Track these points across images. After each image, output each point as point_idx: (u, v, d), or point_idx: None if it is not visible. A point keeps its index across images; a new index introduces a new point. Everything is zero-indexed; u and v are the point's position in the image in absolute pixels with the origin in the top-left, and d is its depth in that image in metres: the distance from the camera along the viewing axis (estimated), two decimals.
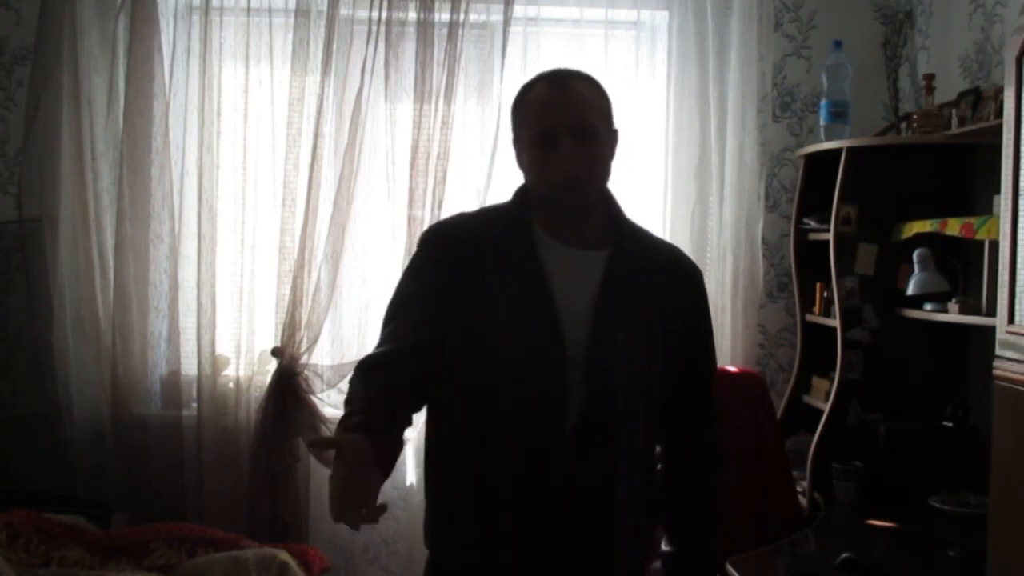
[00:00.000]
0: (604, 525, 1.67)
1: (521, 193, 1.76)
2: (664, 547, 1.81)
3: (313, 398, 3.29)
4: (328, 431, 3.25)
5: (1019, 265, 2.05)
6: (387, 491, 3.33)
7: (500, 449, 1.63)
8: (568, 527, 1.64)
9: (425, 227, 3.14)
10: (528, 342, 1.63)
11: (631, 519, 1.71)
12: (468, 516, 1.69)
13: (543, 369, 1.63)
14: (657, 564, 1.81)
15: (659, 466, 1.84)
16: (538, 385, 1.63)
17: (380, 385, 1.61)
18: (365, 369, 1.65)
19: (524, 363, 1.63)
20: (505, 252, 1.68)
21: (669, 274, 1.76)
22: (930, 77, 3.13)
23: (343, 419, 1.56)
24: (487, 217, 1.80)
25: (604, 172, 1.70)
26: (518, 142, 1.73)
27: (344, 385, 3.31)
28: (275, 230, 3.36)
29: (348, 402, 1.61)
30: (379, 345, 1.70)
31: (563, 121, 1.64)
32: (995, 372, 2.10)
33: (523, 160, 1.72)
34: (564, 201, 1.66)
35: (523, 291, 1.65)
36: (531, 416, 1.63)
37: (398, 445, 1.64)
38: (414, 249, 1.81)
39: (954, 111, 3.00)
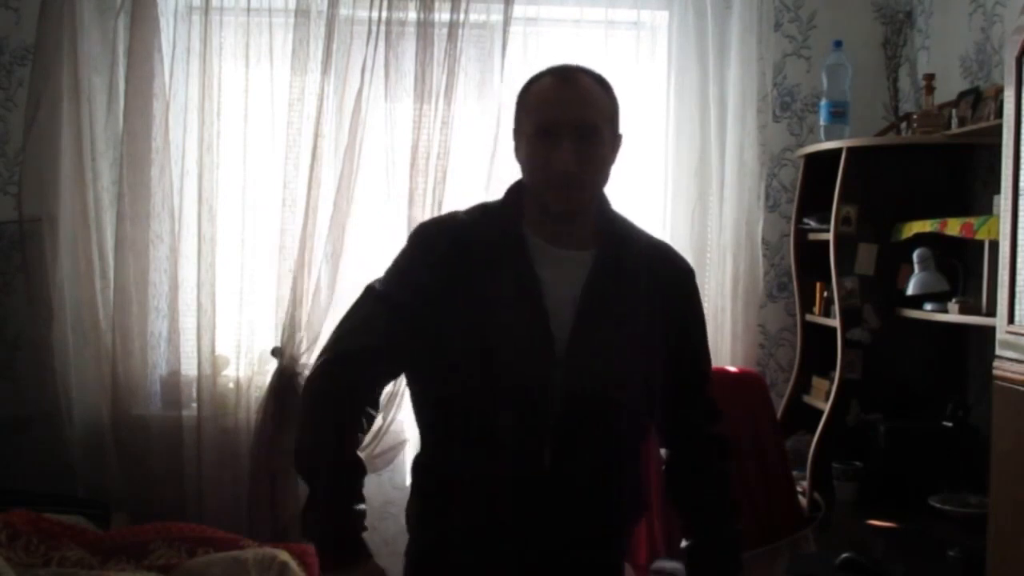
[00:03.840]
0: (582, 520, 1.68)
1: (512, 192, 1.75)
2: (685, 543, 1.82)
3: None
4: None
5: (1019, 265, 2.05)
6: (388, 491, 3.37)
7: (485, 445, 1.64)
8: (547, 522, 1.65)
9: None
10: (517, 341, 1.63)
11: (609, 515, 1.72)
12: (453, 508, 1.69)
13: (530, 367, 1.63)
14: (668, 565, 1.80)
15: (664, 467, 1.87)
16: (524, 383, 1.62)
17: (342, 466, 1.66)
18: (322, 423, 1.69)
19: (512, 361, 1.62)
20: (494, 252, 1.67)
21: (659, 274, 1.75)
22: (930, 77, 3.13)
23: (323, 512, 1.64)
24: (477, 216, 1.76)
25: (601, 174, 1.68)
26: (518, 133, 1.70)
27: None
28: (275, 230, 3.36)
29: (317, 460, 1.67)
30: (342, 328, 1.72)
31: (565, 117, 1.61)
32: (995, 372, 2.10)
33: (521, 152, 1.70)
34: (557, 199, 1.64)
35: (513, 290, 1.64)
36: (515, 413, 1.62)
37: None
38: None
39: (954, 111, 3.00)
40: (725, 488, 1.84)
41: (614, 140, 1.70)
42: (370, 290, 1.74)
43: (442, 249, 1.69)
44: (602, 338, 1.66)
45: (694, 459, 1.83)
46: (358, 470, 1.68)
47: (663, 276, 1.76)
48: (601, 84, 1.68)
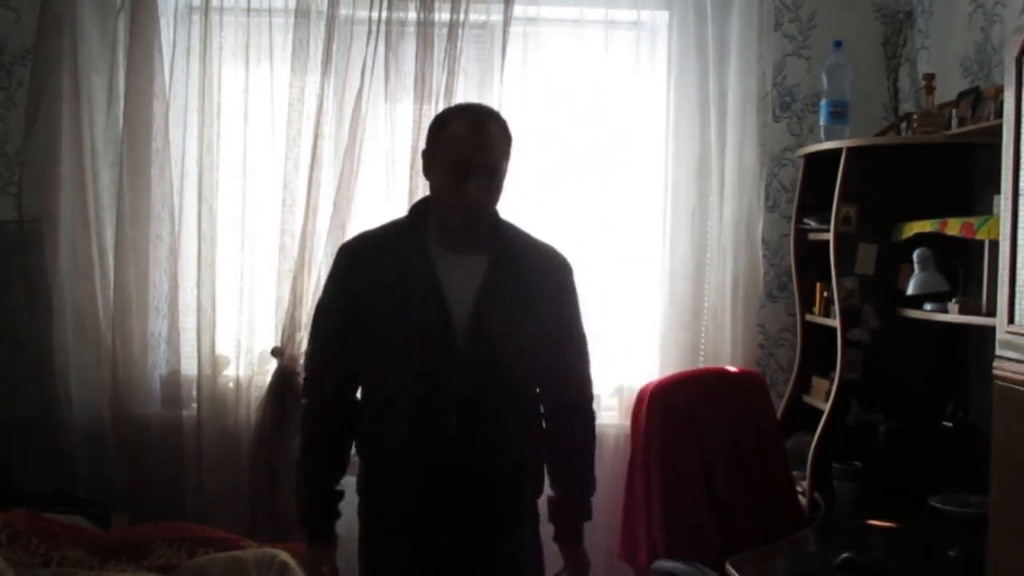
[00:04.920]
0: (491, 475, 2.08)
1: (416, 209, 2.18)
2: (549, 493, 2.25)
3: None
4: None
5: (1019, 265, 2.05)
6: None
7: (405, 419, 2.05)
8: (461, 473, 2.05)
9: None
10: (423, 331, 2.03)
11: (513, 471, 2.12)
12: (385, 472, 2.11)
13: (434, 352, 2.03)
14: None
15: (543, 429, 2.23)
16: (432, 365, 2.03)
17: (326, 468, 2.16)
18: (314, 442, 2.18)
19: (419, 348, 2.03)
20: (403, 260, 2.06)
21: (540, 270, 2.15)
22: (930, 77, 3.13)
23: (307, 502, 2.18)
24: (387, 232, 2.19)
25: (498, 198, 2.10)
26: (432, 158, 2.08)
27: None
28: (275, 230, 3.36)
29: (309, 463, 2.18)
30: (313, 365, 2.26)
31: (476, 160, 2.01)
32: (995, 372, 2.10)
33: (433, 176, 2.09)
34: (465, 224, 2.05)
35: (419, 290, 2.04)
36: (428, 390, 2.03)
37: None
38: None
39: (954, 111, 3.00)
40: (583, 458, 2.26)
41: (507, 170, 2.09)
42: (316, 314, 2.22)
43: (358, 262, 2.12)
44: (497, 325, 2.04)
45: (564, 425, 2.22)
46: (333, 475, 2.15)
47: (544, 271, 2.16)
48: (501, 126, 2.08)
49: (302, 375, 3.26)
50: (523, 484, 2.18)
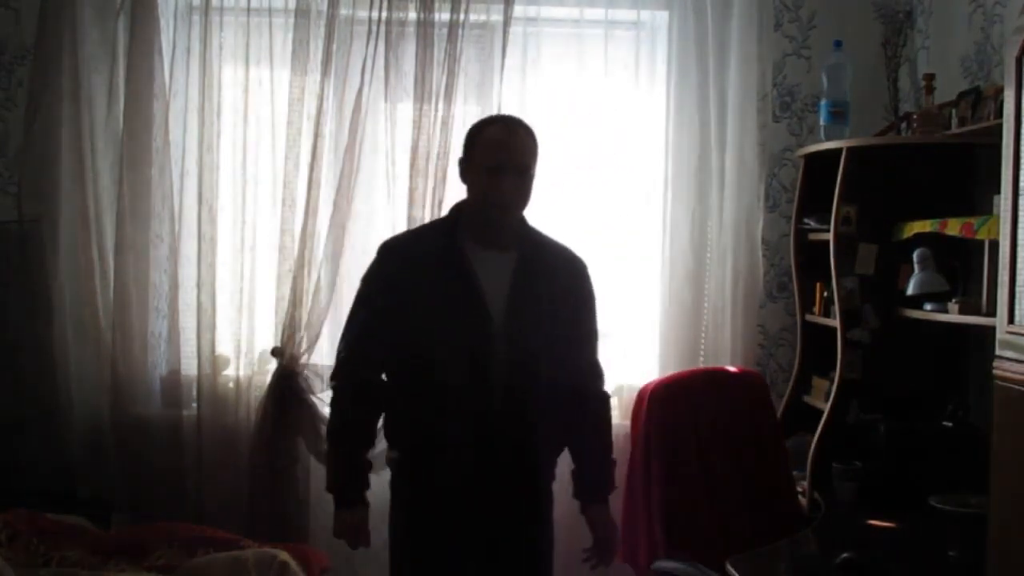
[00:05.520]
0: (522, 453, 2.28)
1: (453, 210, 2.38)
2: (573, 469, 2.46)
3: (313, 398, 3.29)
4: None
5: (1019, 265, 2.05)
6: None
7: (446, 403, 2.23)
8: (497, 457, 2.25)
9: None
10: (464, 322, 2.23)
11: (541, 448, 2.34)
12: (424, 453, 2.29)
13: (475, 341, 2.23)
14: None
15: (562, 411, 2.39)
16: (472, 353, 2.23)
17: (362, 433, 2.37)
18: (349, 400, 2.37)
19: (461, 338, 2.22)
20: (442, 257, 2.27)
21: (562, 268, 2.39)
22: (930, 77, 3.13)
23: (342, 458, 2.38)
24: (427, 232, 2.50)
25: (528, 200, 2.31)
26: (468, 164, 2.30)
27: None
28: (275, 230, 3.37)
29: (338, 436, 2.38)
30: (348, 350, 2.36)
31: (509, 161, 2.24)
32: (995, 372, 2.10)
33: (469, 179, 2.30)
34: (499, 220, 2.28)
35: (458, 284, 2.24)
36: (468, 376, 2.22)
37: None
38: None
39: (954, 111, 3.00)
40: (603, 429, 2.49)
41: (535, 172, 2.31)
42: (356, 301, 2.39)
43: (401, 258, 2.32)
44: (529, 314, 2.27)
45: (585, 405, 2.43)
46: (363, 448, 2.35)
47: (565, 269, 2.40)
48: (530, 133, 2.31)
49: (304, 367, 3.34)
50: (547, 464, 2.40)
